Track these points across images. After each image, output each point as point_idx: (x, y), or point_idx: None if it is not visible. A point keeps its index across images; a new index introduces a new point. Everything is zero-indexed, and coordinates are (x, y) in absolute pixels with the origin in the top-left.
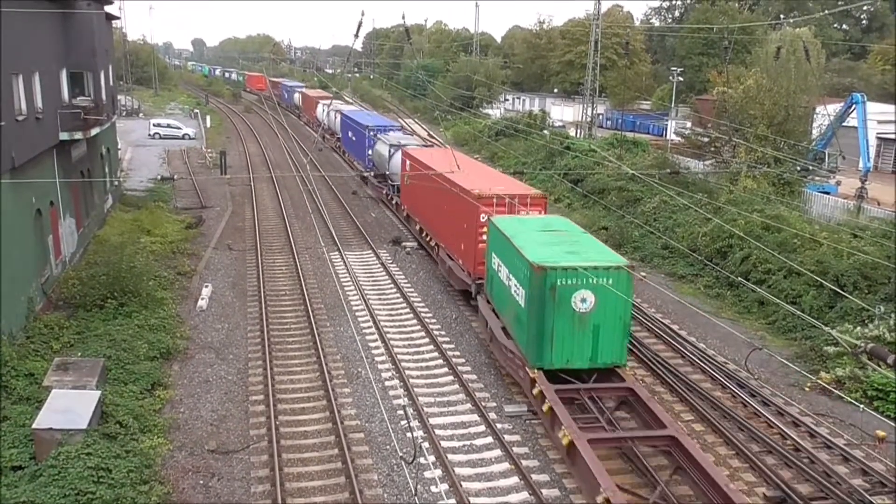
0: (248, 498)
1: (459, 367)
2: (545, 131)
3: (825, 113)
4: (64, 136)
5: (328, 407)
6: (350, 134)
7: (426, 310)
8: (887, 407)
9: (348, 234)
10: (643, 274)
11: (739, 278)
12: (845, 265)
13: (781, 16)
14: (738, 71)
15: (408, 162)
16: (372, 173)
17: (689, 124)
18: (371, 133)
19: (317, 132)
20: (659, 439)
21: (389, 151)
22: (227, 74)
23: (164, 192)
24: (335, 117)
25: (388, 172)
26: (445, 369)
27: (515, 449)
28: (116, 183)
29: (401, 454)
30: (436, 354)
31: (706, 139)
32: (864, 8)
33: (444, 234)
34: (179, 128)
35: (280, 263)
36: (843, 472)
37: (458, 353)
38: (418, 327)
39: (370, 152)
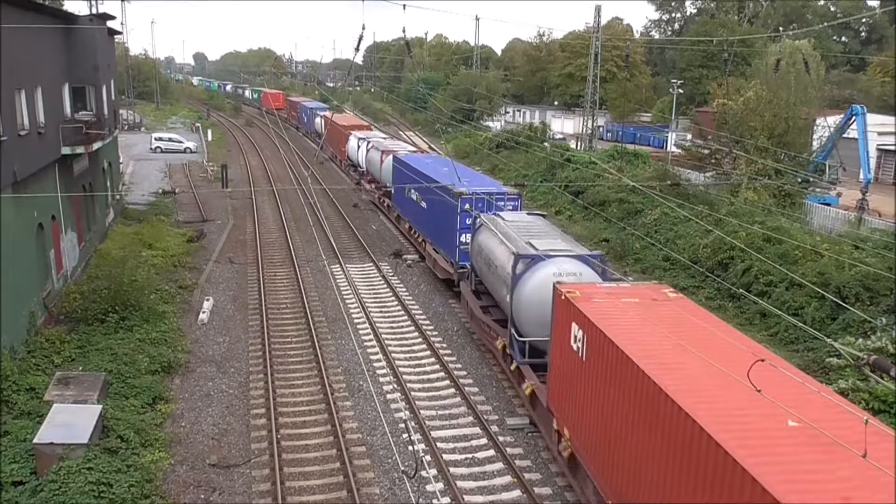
0: None
1: (461, 380)
2: (546, 144)
3: (825, 125)
4: (66, 150)
5: (329, 420)
6: (414, 195)
7: (427, 322)
8: (891, 420)
9: (349, 246)
10: None
11: (741, 290)
12: (847, 277)
13: (781, 28)
14: (738, 83)
15: (576, 328)
16: (471, 283)
17: (689, 136)
18: (466, 204)
19: (326, 150)
20: None
21: (516, 268)
22: (238, 91)
23: (166, 206)
24: (382, 160)
25: (510, 310)
26: (447, 382)
27: (518, 462)
28: (118, 197)
29: (403, 468)
30: (437, 367)
31: (707, 151)
32: (863, 20)
33: None
34: (181, 142)
35: (281, 276)
36: None
37: (459, 365)
38: (420, 340)
39: (464, 240)
